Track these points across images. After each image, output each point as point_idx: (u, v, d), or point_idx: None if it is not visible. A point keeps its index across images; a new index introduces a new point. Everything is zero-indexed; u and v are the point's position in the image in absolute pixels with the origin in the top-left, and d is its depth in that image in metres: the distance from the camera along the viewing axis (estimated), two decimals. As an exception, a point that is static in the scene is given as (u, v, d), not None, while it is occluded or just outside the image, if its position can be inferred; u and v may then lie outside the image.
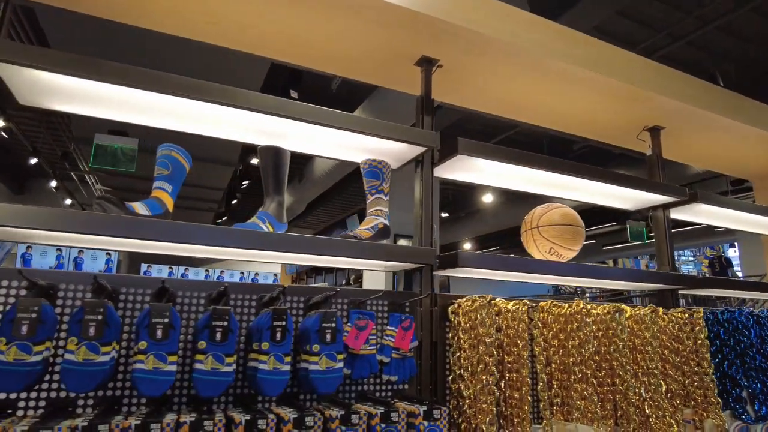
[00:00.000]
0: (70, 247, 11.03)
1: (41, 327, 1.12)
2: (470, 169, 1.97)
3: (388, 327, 1.60)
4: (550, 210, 2.14)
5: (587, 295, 13.58)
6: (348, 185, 9.78)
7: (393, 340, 1.56)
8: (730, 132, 2.70)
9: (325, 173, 8.13)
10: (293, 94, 5.46)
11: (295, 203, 9.71)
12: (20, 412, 1.20)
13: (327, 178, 8.29)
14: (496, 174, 2.07)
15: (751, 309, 2.22)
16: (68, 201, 10.74)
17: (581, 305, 1.72)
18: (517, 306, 1.68)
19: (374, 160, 1.84)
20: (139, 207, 1.43)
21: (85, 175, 9.75)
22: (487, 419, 1.48)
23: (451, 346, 1.66)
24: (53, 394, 1.23)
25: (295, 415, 1.21)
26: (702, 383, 1.91)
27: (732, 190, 7.95)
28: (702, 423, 1.86)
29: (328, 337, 1.34)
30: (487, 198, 10.74)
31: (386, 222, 1.80)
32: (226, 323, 1.24)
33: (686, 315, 1.98)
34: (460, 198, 12.11)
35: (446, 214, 12.29)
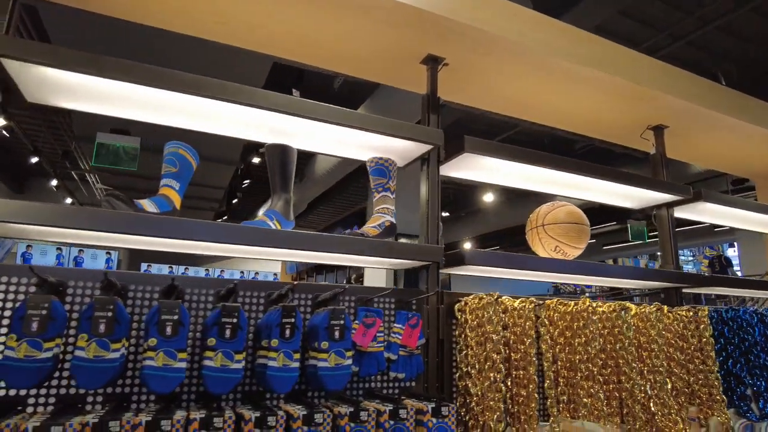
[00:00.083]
0: (71, 246, 11.03)
1: (51, 324, 1.12)
2: (476, 167, 1.98)
3: (396, 324, 1.60)
4: (555, 208, 2.14)
5: (587, 294, 13.59)
6: (348, 184, 9.79)
7: (400, 337, 1.57)
8: (735, 131, 2.71)
9: (326, 172, 8.13)
10: (295, 93, 5.46)
11: (296, 202, 9.71)
12: (30, 409, 1.20)
13: (328, 177, 8.30)
14: (502, 172, 2.07)
15: (755, 308, 2.22)
16: (69, 200, 10.74)
17: (587, 303, 1.72)
18: (524, 304, 1.68)
19: (381, 158, 1.84)
20: (148, 204, 1.43)
21: (86, 174, 9.74)
22: (495, 416, 1.48)
23: (457, 343, 1.67)
24: (62, 391, 1.23)
25: (305, 412, 1.21)
26: (707, 381, 1.91)
27: (732, 189, 7.96)
28: (707, 421, 1.87)
29: (337, 334, 1.34)
30: (488, 197, 10.75)
31: (393, 220, 1.80)
32: (235, 320, 1.24)
33: (691, 313, 1.98)
34: (460, 197, 12.12)
35: (447, 214, 12.30)
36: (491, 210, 11.63)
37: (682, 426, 1.72)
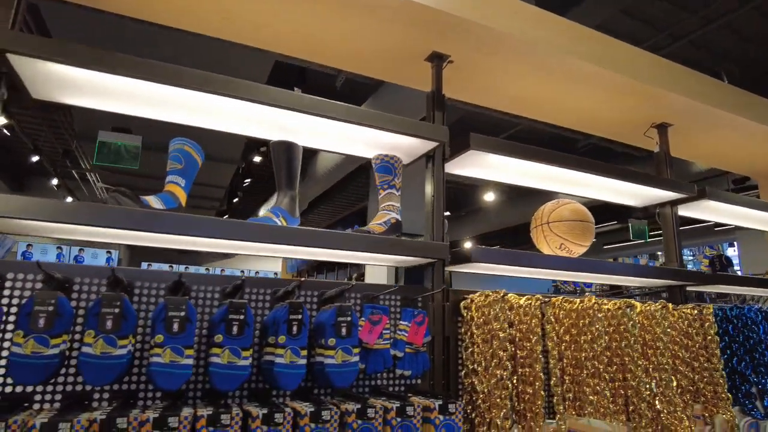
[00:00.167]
0: (71, 245, 11.01)
1: (58, 320, 1.12)
2: (481, 164, 1.97)
3: (402, 322, 1.59)
4: (560, 206, 2.14)
5: (586, 293, 13.60)
6: (349, 183, 9.79)
7: (406, 334, 1.56)
8: (738, 129, 2.71)
9: (328, 171, 8.12)
10: (297, 91, 5.45)
11: (299, 200, 9.71)
12: (36, 406, 1.19)
13: (329, 176, 8.29)
14: (507, 170, 2.07)
15: (759, 306, 2.22)
16: (69, 199, 10.73)
17: (593, 300, 1.72)
18: (530, 301, 1.68)
19: (386, 156, 1.83)
20: (153, 201, 1.42)
21: (87, 173, 9.73)
22: (501, 414, 1.48)
23: (463, 341, 1.66)
24: (69, 388, 1.23)
25: (312, 409, 1.21)
26: (712, 379, 1.91)
27: (734, 189, 7.95)
28: (712, 418, 1.87)
29: (344, 330, 1.34)
30: (489, 196, 10.74)
31: (398, 217, 1.80)
32: (242, 317, 1.24)
33: (696, 311, 1.98)
34: (461, 196, 12.11)
35: (448, 213, 12.27)
36: (492, 209, 11.63)
37: (687, 423, 1.72)
